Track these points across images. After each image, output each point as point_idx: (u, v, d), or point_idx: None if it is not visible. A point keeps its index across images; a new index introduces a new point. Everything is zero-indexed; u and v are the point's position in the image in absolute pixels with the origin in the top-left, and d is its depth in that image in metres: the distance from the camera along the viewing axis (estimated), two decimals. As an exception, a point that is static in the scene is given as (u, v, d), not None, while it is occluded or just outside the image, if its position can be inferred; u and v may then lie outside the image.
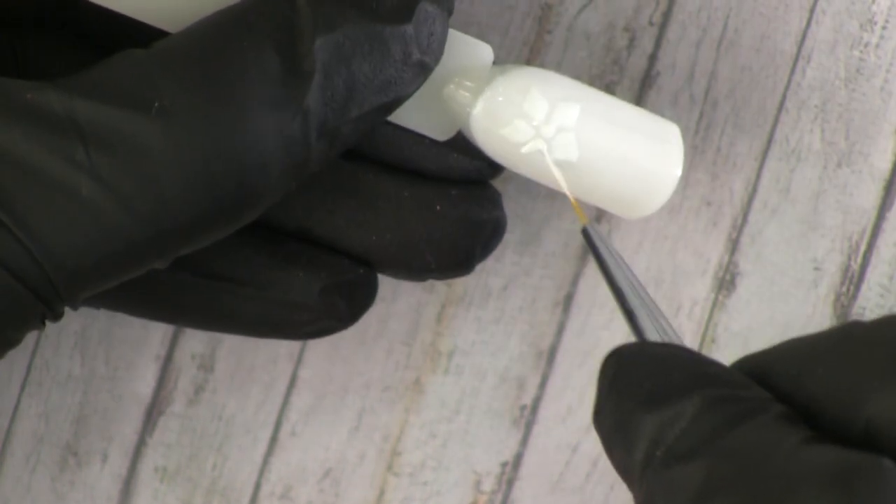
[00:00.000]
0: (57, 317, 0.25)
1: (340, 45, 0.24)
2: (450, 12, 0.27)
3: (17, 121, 0.23)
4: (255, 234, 0.29)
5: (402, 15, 0.25)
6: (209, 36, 0.24)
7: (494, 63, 0.29)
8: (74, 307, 0.25)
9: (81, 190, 0.23)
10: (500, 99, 0.28)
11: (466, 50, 0.28)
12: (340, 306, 0.29)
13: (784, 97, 0.34)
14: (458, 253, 0.30)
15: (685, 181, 0.34)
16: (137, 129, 0.23)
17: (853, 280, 0.34)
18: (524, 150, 0.28)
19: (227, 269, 0.29)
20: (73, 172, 0.23)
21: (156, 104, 0.23)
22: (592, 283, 0.34)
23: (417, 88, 0.26)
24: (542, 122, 0.28)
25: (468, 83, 0.28)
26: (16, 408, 0.34)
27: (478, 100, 0.28)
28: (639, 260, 0.34)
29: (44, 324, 0.25)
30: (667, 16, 0.34)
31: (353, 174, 0.29)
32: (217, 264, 0.29)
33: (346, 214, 0.29)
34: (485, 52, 0.28)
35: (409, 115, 0.28)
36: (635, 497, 0.22)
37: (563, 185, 0.28)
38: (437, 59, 0.27)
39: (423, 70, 0.26)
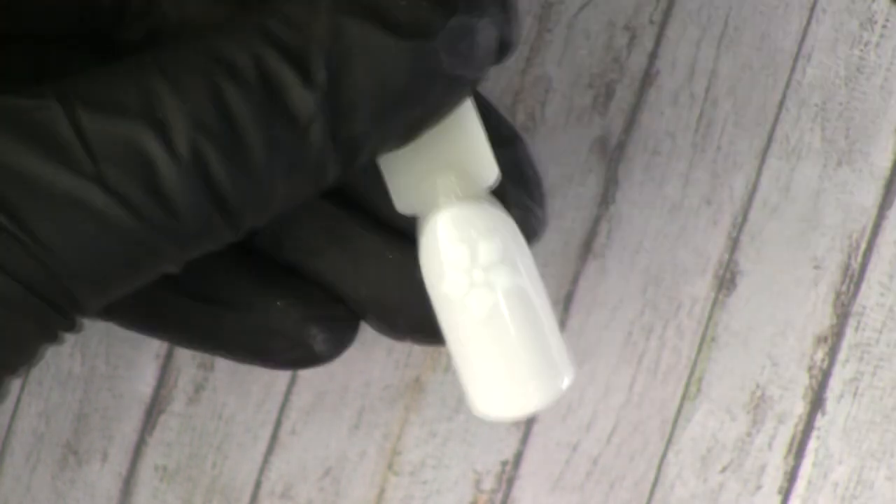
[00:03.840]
0: (72, 328, 0.25)
1: (354, 58, 0.24)
2: (496, 18, 0.26)
3: (26, 139, 0.23)
4: (240, 258, 0.29)
5: (425, 29, 0.25)
6: (214, 41, 0.24)
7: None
8: (91, 317, 0.25)
9: (92, 201, 0.23)
10: (430, 249, 0.27)
11: (476, 157, 0.27)
12: (318, 339, 0.29)
13: (784, 96, 0.34)
14: (432, 327, 0.29)
15: (685, 179, 0.34)
16: (141, 139, 0.23)
17: (853, 278, 0.34)
18: (470, 304, 0.27)
19: (210, 290, 0.29)
20: (83, 184, 0.23)
21: (158, 115, 0.23)
22: (593, 281, 0.34)
23: (457, 102, 0.26)
24: (470, 267, 0.27)
25: (446, 190, 0.27)
26: (16, 406, 0.34)
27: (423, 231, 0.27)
28: (639, 259, 0.34)
29: (59, 338, 0.25)
30: (667, 14, 0.34)
31: (345, 223, 0.29)
32: (201, 284, 0.29)
33: (329, 261, 0.29)
34: (489, 173, 0.27)
35: (397, 166, 0.28)
36: None
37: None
38: (479, 71, 0.25)
39: (458, 84, 0.25)
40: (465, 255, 0.26)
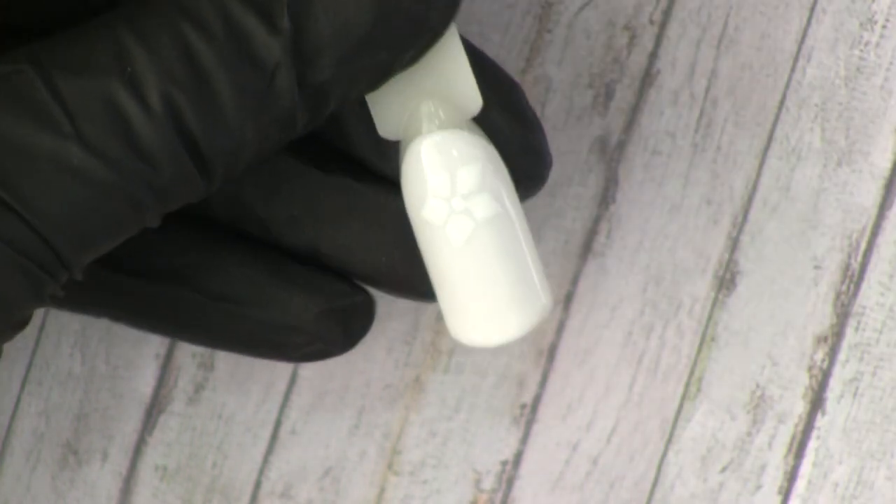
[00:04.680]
0: (59, 289, 0.25)
1: (317, 4, 0.25)
2: None
3: (3, 103, 0.24)
4: (259, 254, 0.30)
5: None
6: None
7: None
8: (78, 276, 0.25)
9: (72, 159, 0.24)
10: (413, 174, 0.27)
11: (460, 85, 0.27)
12: (336, 332, 0.30)
13: (784, 96, 0.34)
14: None
15: (685, 179, 0.34)
16: (114, 95, 0.24)
17: (853, 278, 0.34)
18: (449, 231, 0.27)
19: (226, 288, 0.29)
20: (63, 143, 0.24)
21: (128, 69, 0.24)
22: (593, 281, 0.34)
23: (424, 47, 0.26)
24: (451, 195, 0.27)
25: (429, 117, 0.27)
26: (16, 406, 0.34)
27: (405, 153, 0.27)
28: (639, 258, 0.34)
29: (49, 299, 0.25)
30: (667, 14, 0.34)
31: (362, 193, 0.29)
32: (217, 282, 0.29)
33: (355, 234, 0.29)
34: (473, 101, 0.27)
35: (381, 90, 0.28)
36: None
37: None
38: (444, 14, 0.26)
39: (423, 27, 0.26)
40: (446, 181, 0.27)
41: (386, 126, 0.28)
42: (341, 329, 0.30)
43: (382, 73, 0.26)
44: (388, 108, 0.27)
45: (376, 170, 0.29)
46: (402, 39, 0.26)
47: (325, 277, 0.30)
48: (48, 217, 0.24)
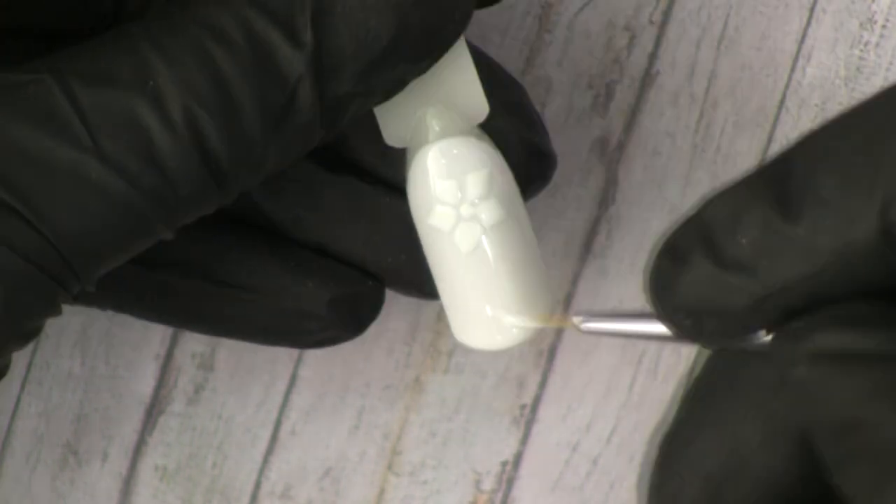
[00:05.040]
0: (73, 300, 0.25)
1: (338, 18, 0.25)
2: None
3: (23, 114, 0.24)
4: (269, 243, 0.30)
5: None
6: (201, 7, 0.25)
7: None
8: (90, 287, 0.25)
9: (91, 173, 0.24)
10: (419, 180, 0.27)
11: (466, 92, 0.28)
12: (348, 317, 0.30)
13: (784, 96, 0.34)
14: None
15: (686, 180, 0.34)
16: (135, 109, 0.24)
17: (853, 279, 0.34)
18: (457, 237, 0.27)
19: (238, 277, 0.29)
20: (82, 157, 0.24)
21: (150, 83, 0.24)
22: (592, 282, 0.34)
23: (440, 55, 0.26)
24: (458, 202, 0.27)
25: (436, 124, 0.28)
26: (16, 407, 0.34)
27: (413, 161, 0.27)
28: (639, 259, 0.34)
29: (60, 310, 0.25)
30: (667, 14, 0.34)
31: (369, 196, 0.30)
32: (229, 271, 0.29)
33: (361, 235, 0.30)
34: (479, 108, 0.28)
35: (386, 103, 0.28)
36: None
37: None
38: (459, 30, 0.26)
39: (441, 38, 0.26)
40: (454, 189, 0.27)
41: (392, 134, 0.28)
42: (353, 314, 0.30)
43: (399, 84, 0.26)
44: (395, 116, 0.28)
45: (380, 176, 0.29)
46: (419, 51, 0.26)
47: (333, 264, 0.30)
48: (63, 230, 0.24)
